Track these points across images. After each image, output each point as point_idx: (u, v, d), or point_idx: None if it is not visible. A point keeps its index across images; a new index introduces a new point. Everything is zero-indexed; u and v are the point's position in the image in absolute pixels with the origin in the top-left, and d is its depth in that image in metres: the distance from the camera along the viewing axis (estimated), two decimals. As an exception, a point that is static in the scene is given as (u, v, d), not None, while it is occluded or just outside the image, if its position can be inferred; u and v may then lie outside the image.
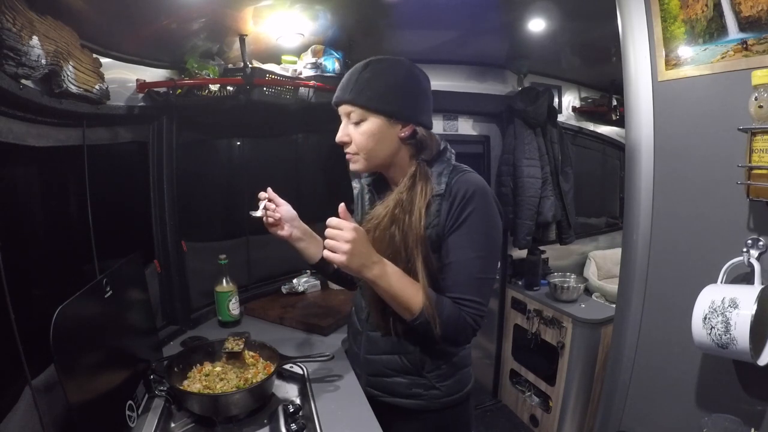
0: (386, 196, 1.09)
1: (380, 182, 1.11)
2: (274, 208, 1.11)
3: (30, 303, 1.01)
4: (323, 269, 1.20)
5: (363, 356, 1.15)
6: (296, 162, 2.17)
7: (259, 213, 1.10)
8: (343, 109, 1.00)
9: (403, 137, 0.99)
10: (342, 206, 0.94)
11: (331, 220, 0.92)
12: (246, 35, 1.49)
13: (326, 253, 0.92)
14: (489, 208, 0.98)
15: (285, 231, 1.12)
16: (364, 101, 0.97)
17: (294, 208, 1.15)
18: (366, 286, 1.02)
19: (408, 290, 0.95)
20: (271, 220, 1.11)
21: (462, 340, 1.03)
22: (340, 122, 1.03)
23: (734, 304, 0.88)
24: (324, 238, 0.92)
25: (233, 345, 1.25)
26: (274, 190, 1.13)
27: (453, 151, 1.06)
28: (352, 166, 1.03)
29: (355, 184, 1.18)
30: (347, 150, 1.02)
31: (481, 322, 0.98)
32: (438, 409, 1.09)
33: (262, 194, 1.12)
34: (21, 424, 0.84)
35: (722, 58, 1.00)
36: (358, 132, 0.98)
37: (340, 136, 1.01)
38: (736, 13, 0.96)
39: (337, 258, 0.90)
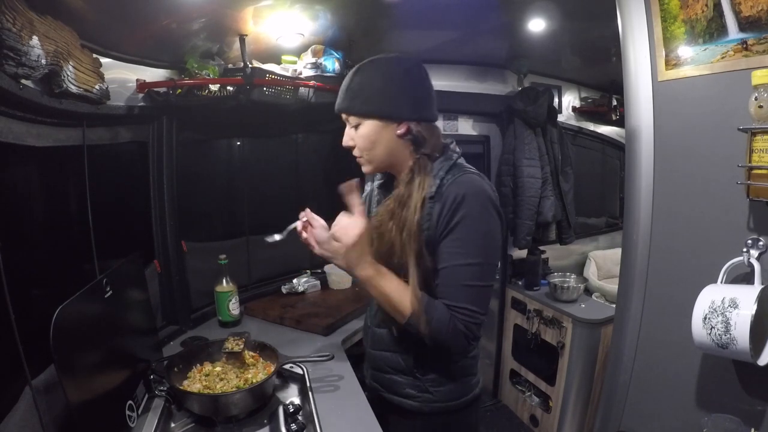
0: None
1: (389, 183, 1.11)
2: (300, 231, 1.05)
3: (30, 303, 1.01)
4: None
5: (368, 350, 1.18)
6: (296, 162, 2.17)
7: (276, 237, 1.07)
8: (344, 118, 1.03)
9: (400, 134, 0.99)
10: (352, 183, 0.99)
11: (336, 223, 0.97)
12: (246, 35, 1.49)
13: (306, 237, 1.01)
14: (483, 213, 0.94)
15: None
16: (356, 109, 1.00)
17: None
18: None
19: (399, 293, 0.95)
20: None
21: (456, 348, 1.01)
22: (339, 122, 1.04)
23: (734, 304, 0.88)
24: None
25: (233, 345, 1.25)
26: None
27: (459, 150, 1.05)
28: (363, 169, 1.06)
29: (367, 187, 1.21)
30: (354, 154, 1.05)
31: (477, 330, 0.95)
32: (429, 413, 1.07)
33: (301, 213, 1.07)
34: (21, 424, 0.84)
35: (722, 58, 1.00)
36: (357, 136, 1.01)
37: (345, 141, 1.04)
38: (736, 13, 0.96)
39: (315, 249, 1.00)
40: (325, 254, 0.99)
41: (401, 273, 0.97)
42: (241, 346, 1.25)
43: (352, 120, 1.01)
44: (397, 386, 1.10)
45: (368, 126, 1.00)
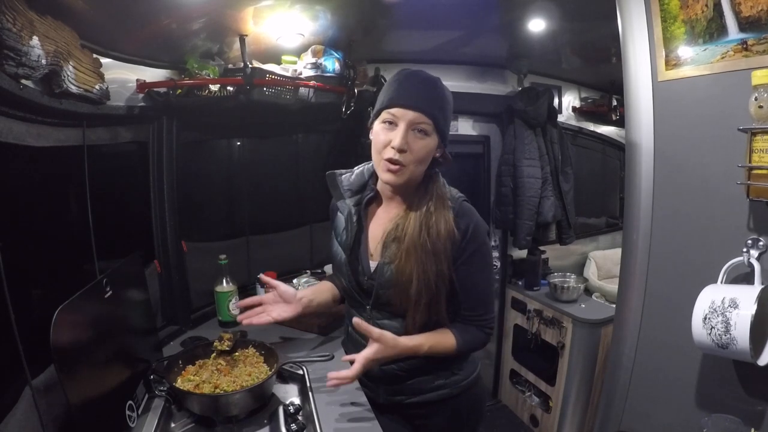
0: (375, 213, 1.10)
1: (369, 201, 1.10)
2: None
3: (30, 303, 1.01)
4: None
5: (376, 369, 1.11)
6: (296, 162, 2.16)
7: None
8: (413, 117, 0.93)
9: (437, 157, 1.01)
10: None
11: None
12: (246, 35, 1.49)
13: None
14: (488, 243, 1.07)
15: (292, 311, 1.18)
16: (440, 120, 0.95)
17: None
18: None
19: (436, 341, 1.04)
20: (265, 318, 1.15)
21: (479, 348, 1.13)
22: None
23: (734, 304, 0.88)
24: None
25: (220, 345, 1.26)
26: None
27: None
28: (395, 178, 0.96)
29: (341, 205, 1.11)
30: (399, 159, 0.94)
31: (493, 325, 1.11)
32: (459, 393, 1.14)
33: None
34: (21, 424, 0.84)
35: (722, 58, 1.00)
36: (419, 144, 0.94)
37: (401, 143, 0.92)
38: (736, 14, 0.96)
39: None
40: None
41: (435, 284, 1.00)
42: (230, 345, 1.26)
43: (423, 127, 0.93)
44: (424, 385, 1.12)
45: (433, 141, 0.96)
